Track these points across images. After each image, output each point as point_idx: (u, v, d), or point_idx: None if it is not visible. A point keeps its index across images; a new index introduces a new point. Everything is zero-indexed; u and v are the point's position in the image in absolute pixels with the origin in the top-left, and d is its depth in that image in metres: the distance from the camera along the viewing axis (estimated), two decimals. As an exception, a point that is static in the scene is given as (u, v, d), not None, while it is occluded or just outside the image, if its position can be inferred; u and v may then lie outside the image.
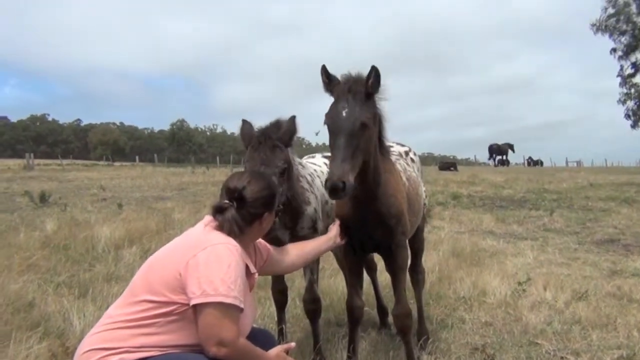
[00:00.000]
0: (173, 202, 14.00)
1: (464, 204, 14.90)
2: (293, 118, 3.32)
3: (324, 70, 2.90)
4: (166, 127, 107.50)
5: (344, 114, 2.74)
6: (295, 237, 3.44)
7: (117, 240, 7.57)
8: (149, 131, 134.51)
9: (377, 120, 2.94)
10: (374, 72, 2.78)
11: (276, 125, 3.24)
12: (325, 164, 3.99)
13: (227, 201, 2.43)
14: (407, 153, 4.28)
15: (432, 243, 8.16)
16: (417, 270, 4.36)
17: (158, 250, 2.44)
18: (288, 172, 3.24)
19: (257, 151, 3.14)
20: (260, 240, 2.75)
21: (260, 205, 2.46)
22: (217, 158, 62.44)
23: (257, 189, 2.46)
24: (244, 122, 3.27)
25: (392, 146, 3.94)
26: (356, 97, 2.77)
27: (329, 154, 3.62)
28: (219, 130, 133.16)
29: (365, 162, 2.87)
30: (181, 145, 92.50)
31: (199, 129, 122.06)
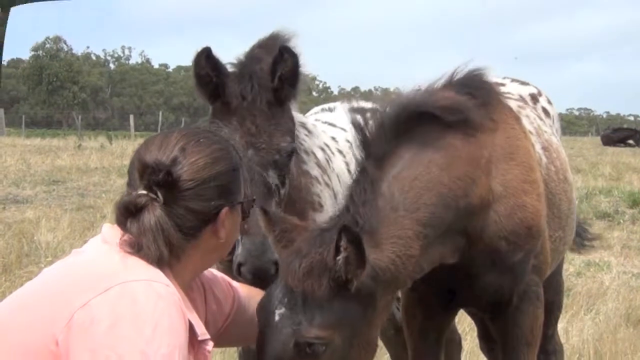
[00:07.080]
0: (38, 208, 12.42)
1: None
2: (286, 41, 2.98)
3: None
4: (24, 55, 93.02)
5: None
6: None
7: None
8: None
9: None
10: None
11: (275, 54, 2.81)
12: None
13: (143, 191, 2.00)
14: (534, 98, 3.84)
15: (583, 295, 6.81)
16: (547, 350, 3.75)
17: (11, 294, 2.13)
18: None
19: (236, 116, 2.78)
20: (219, 276, 2.46)
21: (211, 194, 2.04)
22: (131, 119, 46.07)
23: (201, 161, 2.02)
24: (204, 52, 2.81)
25: (502, 85, 3.61)
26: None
27: (357, 105, 3.76)
28: (136, 60, 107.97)
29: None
30: (55, 91, 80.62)
31: (92, 58, 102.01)
